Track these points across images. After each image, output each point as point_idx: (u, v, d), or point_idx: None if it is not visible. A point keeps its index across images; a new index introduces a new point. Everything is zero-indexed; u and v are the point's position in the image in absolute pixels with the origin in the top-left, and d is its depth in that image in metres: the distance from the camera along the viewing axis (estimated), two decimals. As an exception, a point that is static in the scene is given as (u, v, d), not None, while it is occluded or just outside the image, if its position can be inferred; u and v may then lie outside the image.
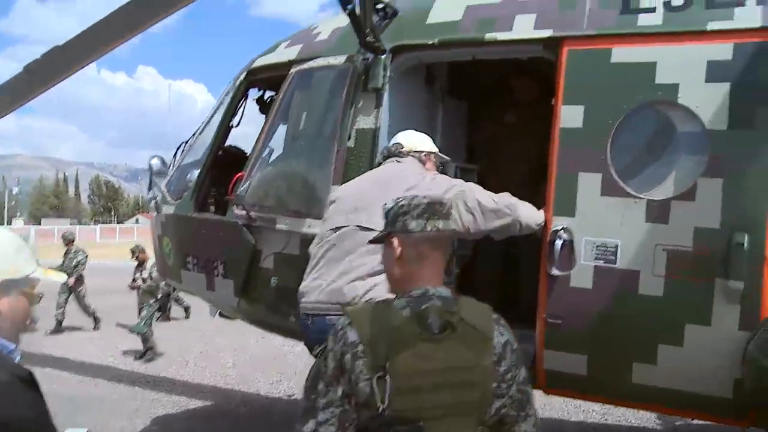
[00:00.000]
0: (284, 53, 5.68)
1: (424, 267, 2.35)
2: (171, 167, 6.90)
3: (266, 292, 5.34)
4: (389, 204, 2.47)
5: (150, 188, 6.51)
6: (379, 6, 5.00)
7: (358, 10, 4.60)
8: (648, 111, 4.08)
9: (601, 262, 4.08)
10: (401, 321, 2.17)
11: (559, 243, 4.12)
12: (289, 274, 5.05)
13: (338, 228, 3.89)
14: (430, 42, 4.74)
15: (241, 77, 6.09)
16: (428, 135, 4.42)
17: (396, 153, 4.24)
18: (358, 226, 3.80)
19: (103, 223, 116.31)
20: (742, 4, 3.93)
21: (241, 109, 6.21)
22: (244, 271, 5.41)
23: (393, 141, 4.34)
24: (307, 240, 4.69)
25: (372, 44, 4.74)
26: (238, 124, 6.22)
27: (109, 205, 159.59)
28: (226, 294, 5.71)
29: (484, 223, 4.04)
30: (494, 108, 6.09)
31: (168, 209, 6.40)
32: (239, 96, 6.11)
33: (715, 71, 3.88)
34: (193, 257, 6.09)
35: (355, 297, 3.61)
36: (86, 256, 14.00)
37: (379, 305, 2.31)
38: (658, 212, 3.94)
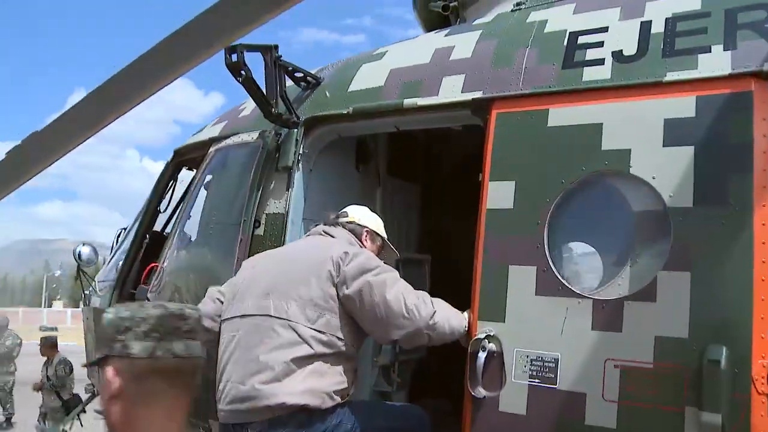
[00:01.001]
0: (208, 131, 5.04)
1: (154, 411, 1.58)
2: (110, 255, 6.25)
3: None
4: (109, 314, 1.68)
5: (77, 278, 5.79)
6: (298, 75, 4.33)
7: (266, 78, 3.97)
8: (593, 186, 3.20)
9: (537, 381, 3.10)
10: None
11: (482, 355, 3.17)
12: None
13: (245, 315, 3.30)
14: (345, 111, 4.00)
15: (169, 158, 5.45)
16: None
17: (330, 222, 3.64)
18: (267, 315, 3.21)
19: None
20: (708, 50, 3.09)
21: (170, 192, 5.52)
22: None
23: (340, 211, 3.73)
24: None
25: (279, 117, 4.04)
26: (167, 208, 5.51)
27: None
28: None
29: (384, 331, 3.18)
30: (453, 191, 5.25)
31: (95, 302, 5.69)
32: (166, 178, 5.45)
33: (675, 132, 3.00)
34: None
35: (279, 404, 3.01)
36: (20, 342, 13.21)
37: None
38: (609, 317, 2.98)
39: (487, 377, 3.19)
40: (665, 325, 2.85)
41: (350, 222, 3.64)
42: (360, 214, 3.72)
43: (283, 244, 4.00)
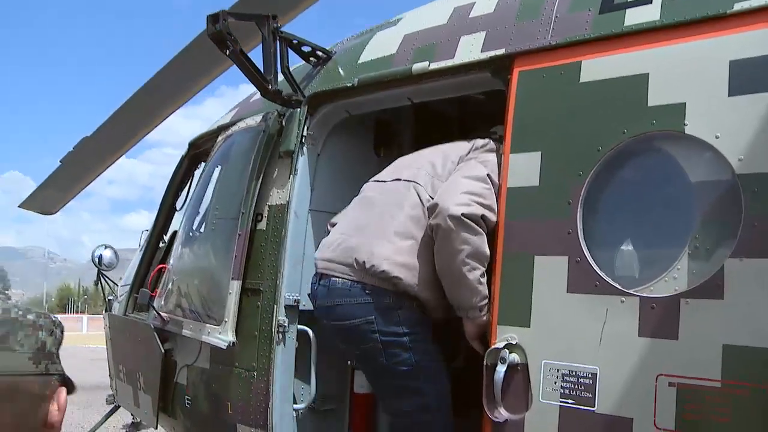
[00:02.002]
0: (220, 120, 4.60)
1: None
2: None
3: (184, 415, 4.12)
4: None
5: (98, 283, 5.48)
6: (305, 49, 3.81)
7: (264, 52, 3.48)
8: (638, 153, 2.51)
9: (571, 402, 2.44)
10: None
11: (502, 369, 2.55)
12: (200, 393, 3.93)
13: (379, 181, 3.32)
14: (349, 84, 3.44)
15: (184, 152, 5.05)
16: None
17: None
18: (397, 179, 3.20)
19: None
20: None
21: (187, 188, 5.10)
22: (157, 387, 4.20)
23: None
24: (215, 351, 3.69)
25: (278, 95, 3.53)
26: (183, 206, 5.09)
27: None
28: (146, 414, 4.53)
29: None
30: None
31: (115, 308, 5.38)
32: (181, 173, 5.05)
33: (744, 76, 2.28)
34: (121, 365, 5.00)
35: (372, 266, 2.95)
36: None
37: None
38: (661, 320, 2.29)
39: (508, 396, 2.56)
40: (737, 331, 2.15)
41: None
42: None
43: (285, 239, 3.49)
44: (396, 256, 2.94)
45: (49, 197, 8.95)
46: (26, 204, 8.86)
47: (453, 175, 3.00)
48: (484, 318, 2.82)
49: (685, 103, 2.35)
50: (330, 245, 3.19)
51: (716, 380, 2.16)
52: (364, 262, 2.96)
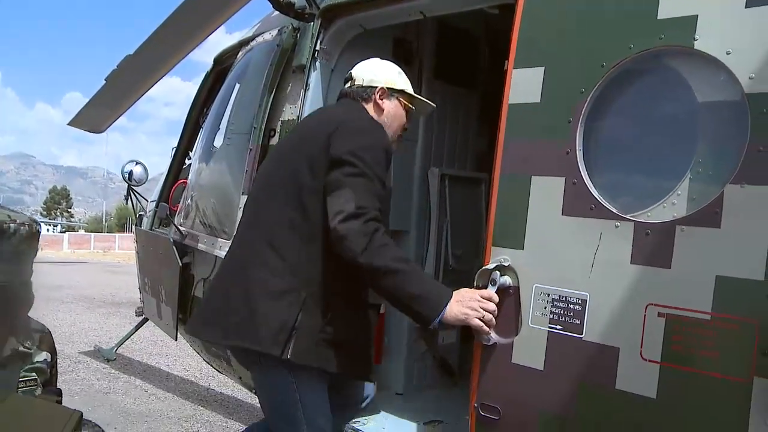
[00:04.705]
0: (243, 35, 4.52)
1: None
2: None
3: None
4: None
5: (127, 198, 5.59)
6: None
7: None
8: (644, 69, 2.35)
9: (559, 327, 2.38)
10: None
11: (492, 291, 2.49)
12: None
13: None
14: (361, -5, 3.32)
15: (209, 68, 5.01)
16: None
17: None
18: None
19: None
20: None
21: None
22: (176, 299, 4.31)
23: None
24: None
25: (291, 8, 3.43)
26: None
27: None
28: (167, 325, 4.66)
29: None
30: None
31: (144, 223, 5.50)
32: (207, 88, 5.03)
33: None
34: (147, 278, 5.14)
35: None
36: None
37: None
38: (654, 247, 2.19)
39: (498, 319, 2.51)
40: (732, 262, 2.03)
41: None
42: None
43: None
44: None
45: (95, 115, 9.06)
46: (75, 122, 9.02)
47: None
48: None
49: (697, 15, 2.17)
50: None
51: (706, 312, 2.06)
52: None
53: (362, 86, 2.80)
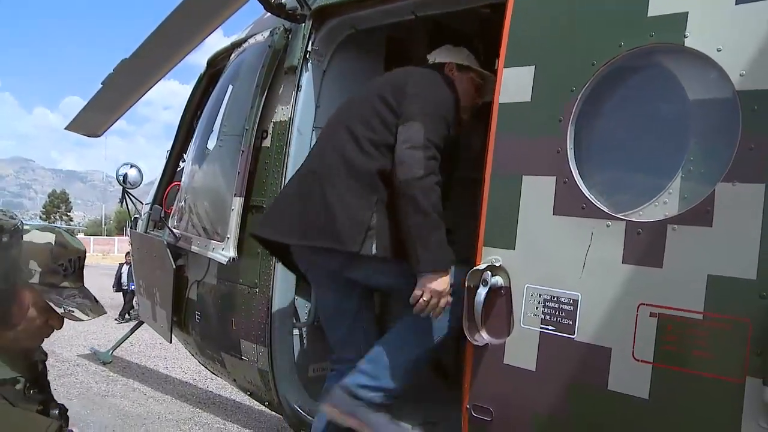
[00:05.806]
0: (235, 36, 4.51)
1: None
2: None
3: (194, 330, 4.22)
4: None
5: (122, 201, 5.57)
6: None
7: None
8: (634, 67, 2.33)
9: (551, 328, 2.36)
10: None
11: (483, 291, 2.47)
12: (208, 309, 4.00)
13: None
14: (352, -5, 3.30)
15: (203, 70, 4.99)
16: None
17: None
18: None
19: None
20: None
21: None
22: (170, 301, 4.30)
23: None
24: (221, 267, 3.78)
25: (282, 9, 3.42)
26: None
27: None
28: (162, 328, 4.65)
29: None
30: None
31: (139, 226, 5.48)
32: (200, 91, 5.01)
33: (754, -16, 2.07)
34: (141, 281, 5.12)
35: None
36: None
37: None
38: (646, 246, 2.17)
39: (489, 320, 2.49)
40: (724, 261, 2.01)
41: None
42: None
43: (288, 156, 3.44)
44: None
45: (92, 120, 9.03)
46: (72, 126, 8.99)
47: None
48: None
49: (687, 12, 2.15)
50: None
51: (698, 312, 2.05)
52: None
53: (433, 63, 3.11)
